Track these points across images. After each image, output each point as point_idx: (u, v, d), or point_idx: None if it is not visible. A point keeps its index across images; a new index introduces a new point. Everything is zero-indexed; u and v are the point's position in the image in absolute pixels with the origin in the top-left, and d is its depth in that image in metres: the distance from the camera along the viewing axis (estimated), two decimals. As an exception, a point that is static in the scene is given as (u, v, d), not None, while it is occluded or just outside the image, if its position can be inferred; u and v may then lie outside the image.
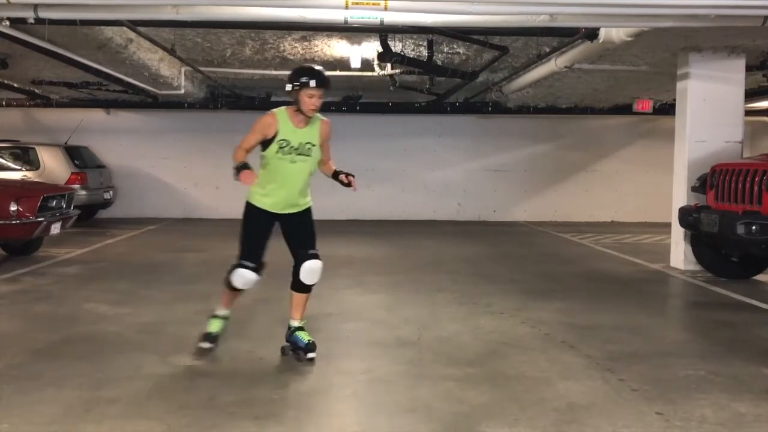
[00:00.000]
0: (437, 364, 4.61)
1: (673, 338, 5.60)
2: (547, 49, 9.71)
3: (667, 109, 13.18)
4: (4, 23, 7.13)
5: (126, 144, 15.54)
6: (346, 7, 6.12)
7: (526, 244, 11.80)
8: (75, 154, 13.54)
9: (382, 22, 6.87)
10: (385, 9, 6.14)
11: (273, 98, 14.38)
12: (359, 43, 10.40)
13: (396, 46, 10.28)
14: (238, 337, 5.19)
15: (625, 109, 14.22)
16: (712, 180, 7.71)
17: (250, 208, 4.63)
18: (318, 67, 4.59)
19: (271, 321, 5.65)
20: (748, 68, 8.94)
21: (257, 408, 3.76)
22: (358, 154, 15.69)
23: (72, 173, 13.01)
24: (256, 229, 4.63)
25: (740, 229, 6.76)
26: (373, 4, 6.10)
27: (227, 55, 11.20)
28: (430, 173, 15.96)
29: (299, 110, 4.49)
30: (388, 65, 10.86)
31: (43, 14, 6.50)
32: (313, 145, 4.57)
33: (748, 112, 11.59)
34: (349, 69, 11.63)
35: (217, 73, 12.41)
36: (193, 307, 6.13)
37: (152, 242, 11.40)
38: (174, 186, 15.57)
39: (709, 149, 8.60)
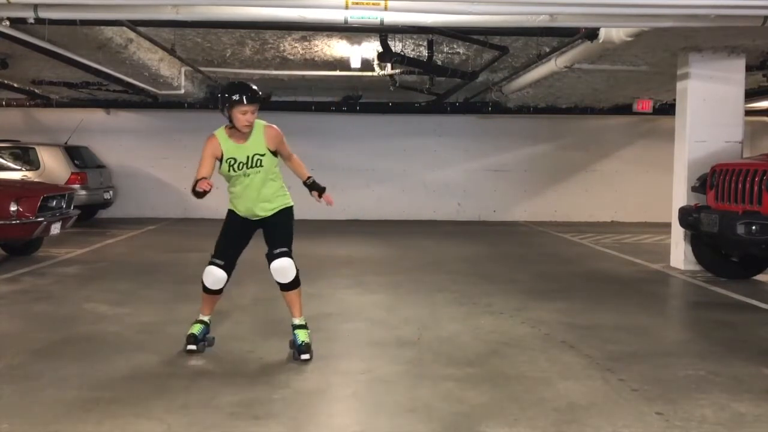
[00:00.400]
0: (437, 364, 4.61)
1: (673, 338, 5.60)
2: (547, 49, 9.71)
3: (667, 109, 13.17)
4: (4, 23, 7.13)
5: (126, 144, 15.54)
6: (346, 7, 6.11)
7: (526, 244, 11.79)
8: (75, 154, 13.54)
9: (382, 22, 6.86)
10: (385, 9, 6.13)
11: (273, 98, 14.37)
12: (359, 43, 10.40)
13: (396, 46, 10.28)
14: (238, 337, 5.20)
15: (625, 109, 14.20)
16: (712, 180, 7.71)
17: (229, 212, 4.86)
18: (246, 83, 4.62)
19: (271, 321, 5.65)
20: (748, 68, 8.94)
21: (257, 408, 3.76)
22: (358, 154, 15.76)
23: (72, 173, 13.01)
24: (228, 230, 4.83)
25: (740, 229, 6.76)
26: (373, 4, 6.10)
27: (227, 55, 11.20)
28: (430, 173, 15.95)
29: (234, 127, 4.54)
30: (388, 65, 10.86)
31: (43, 14, 6.50)
32: (262, 155, 4.62)
33: (748, 112, 11.60)
34: (349, 69, 11.64)
35: (217, 73, 12.39)
36: (193, 307, 6.06)
37: (152, 242, 11.41)
38: (174, 186, 15.53)
39: (709, 149, 8.60)
